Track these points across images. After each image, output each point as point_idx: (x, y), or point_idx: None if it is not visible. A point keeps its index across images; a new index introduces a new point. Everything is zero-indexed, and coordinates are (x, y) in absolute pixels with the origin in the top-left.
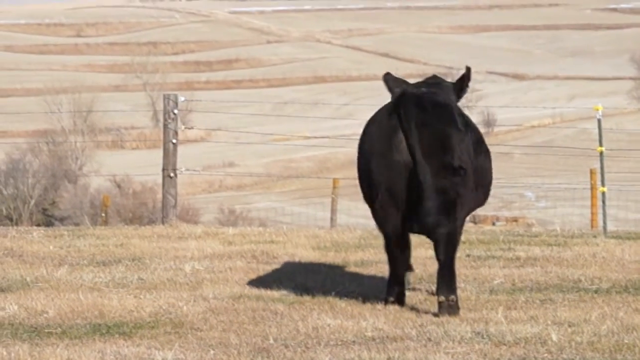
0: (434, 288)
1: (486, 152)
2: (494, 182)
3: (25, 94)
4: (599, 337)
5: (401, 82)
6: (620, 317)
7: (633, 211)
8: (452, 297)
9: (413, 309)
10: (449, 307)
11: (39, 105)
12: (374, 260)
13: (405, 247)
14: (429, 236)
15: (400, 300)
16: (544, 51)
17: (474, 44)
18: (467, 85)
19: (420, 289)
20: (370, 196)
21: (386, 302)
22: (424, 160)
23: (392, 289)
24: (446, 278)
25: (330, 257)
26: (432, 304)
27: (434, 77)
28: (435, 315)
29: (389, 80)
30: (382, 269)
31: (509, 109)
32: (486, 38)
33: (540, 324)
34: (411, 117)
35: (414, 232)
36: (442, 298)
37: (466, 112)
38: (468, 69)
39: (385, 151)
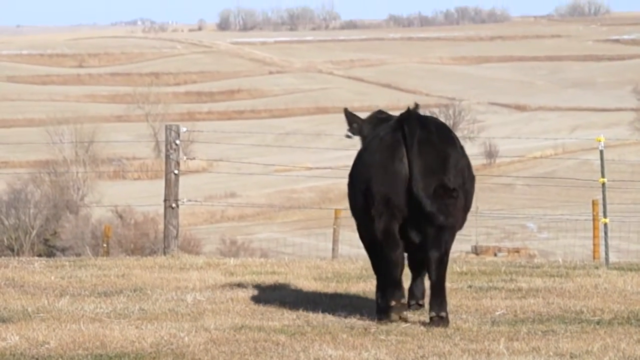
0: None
1: (472, 179)
2: (495, 213)
3: (27, 125)
4: None
5: (357, 117)
6: (622, 348)
7: (635, 242)
8: (443, 313)
9: (414, 339)
10: (439, 321)
11: (41, 135)
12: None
13: (402, 252)
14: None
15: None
16: (546, 82)
17: (476, 75)
18: None
19: (420, 320)
20: (366, 204)
21: (386, 311)
22: (419, 176)
23: (391, 296)
24: (437, 297)
25: (332, 288)
26: (434, 335)
27: (380, 111)
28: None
29: (348, 115)
30: None
31: (511, 140)
32: (488, 69)
33: (542, 355)
34: (414, 133)
35: (409, 247)
36: (433, 314)
37: (468, 142)
38: (416, 105)
39: (387, 162)
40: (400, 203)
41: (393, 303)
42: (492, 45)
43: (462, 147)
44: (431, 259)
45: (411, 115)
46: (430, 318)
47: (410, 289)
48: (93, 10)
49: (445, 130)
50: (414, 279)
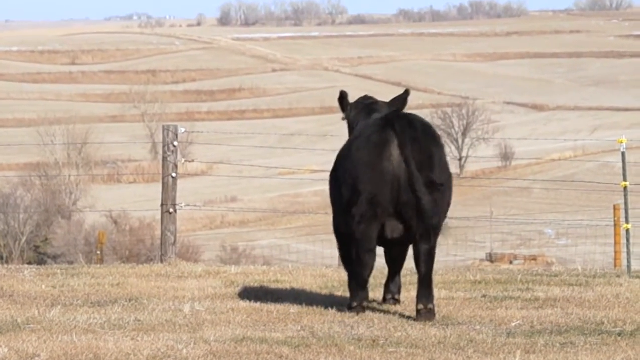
0: (450, 330)
1: (451, 176)
2: (511, 218)
3: (17, 125)
4: None
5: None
6: None
7: None
8: (430, 305)
9: (425, 351)
10: (427, 314)
11: (32, 136)
12: None
13: (375, 254)
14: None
15: (363, 307)
16: (565, 80)
17: (491, 72)
18: (404, 107)
19: (434, 331)
20: (349, 203)
21: (350, 308)
22: (417, 173)
23: (357, 294)
24: (426, 289)
25: (338, 298)
26: (445, 347)
27: (366, 97)
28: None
29: (344, 98)
30: (394, 310)
31: (528, 141)
32: (504, 66)
33: None
34: (405, 132)
35: (389, 244)
36: (421, 306)
37: (482, 144)
38: (407, 92)
39: (374, 161)
40: (386, 202)
41: (355, 304)
42: (508, 42)
43: (443, 146)
44: (421, 252)
45: (400, 115)
46: (418, 310)
47: (387, 284)
48: (86, 5)
49: (431, 129)
50: (390, 275)
